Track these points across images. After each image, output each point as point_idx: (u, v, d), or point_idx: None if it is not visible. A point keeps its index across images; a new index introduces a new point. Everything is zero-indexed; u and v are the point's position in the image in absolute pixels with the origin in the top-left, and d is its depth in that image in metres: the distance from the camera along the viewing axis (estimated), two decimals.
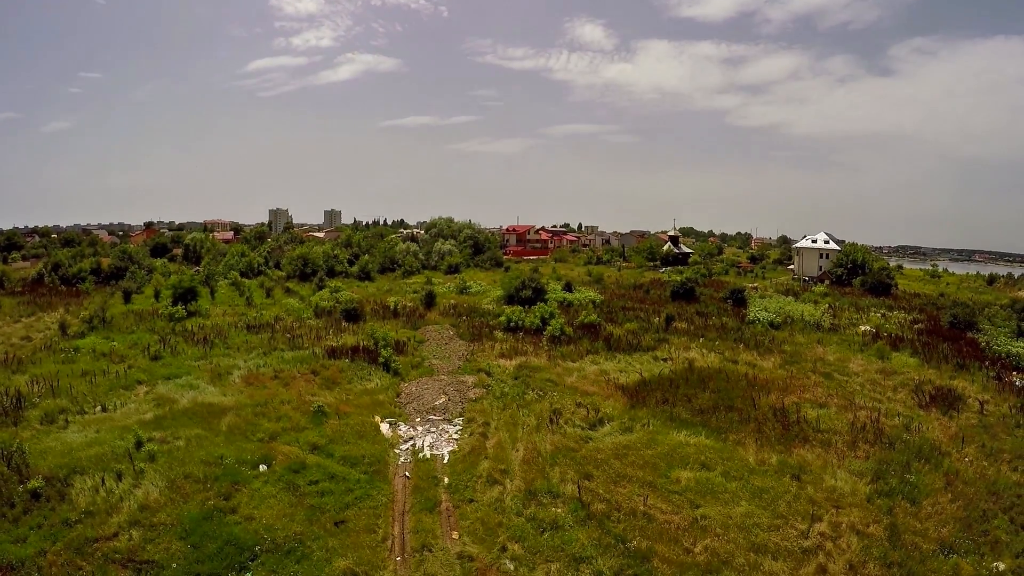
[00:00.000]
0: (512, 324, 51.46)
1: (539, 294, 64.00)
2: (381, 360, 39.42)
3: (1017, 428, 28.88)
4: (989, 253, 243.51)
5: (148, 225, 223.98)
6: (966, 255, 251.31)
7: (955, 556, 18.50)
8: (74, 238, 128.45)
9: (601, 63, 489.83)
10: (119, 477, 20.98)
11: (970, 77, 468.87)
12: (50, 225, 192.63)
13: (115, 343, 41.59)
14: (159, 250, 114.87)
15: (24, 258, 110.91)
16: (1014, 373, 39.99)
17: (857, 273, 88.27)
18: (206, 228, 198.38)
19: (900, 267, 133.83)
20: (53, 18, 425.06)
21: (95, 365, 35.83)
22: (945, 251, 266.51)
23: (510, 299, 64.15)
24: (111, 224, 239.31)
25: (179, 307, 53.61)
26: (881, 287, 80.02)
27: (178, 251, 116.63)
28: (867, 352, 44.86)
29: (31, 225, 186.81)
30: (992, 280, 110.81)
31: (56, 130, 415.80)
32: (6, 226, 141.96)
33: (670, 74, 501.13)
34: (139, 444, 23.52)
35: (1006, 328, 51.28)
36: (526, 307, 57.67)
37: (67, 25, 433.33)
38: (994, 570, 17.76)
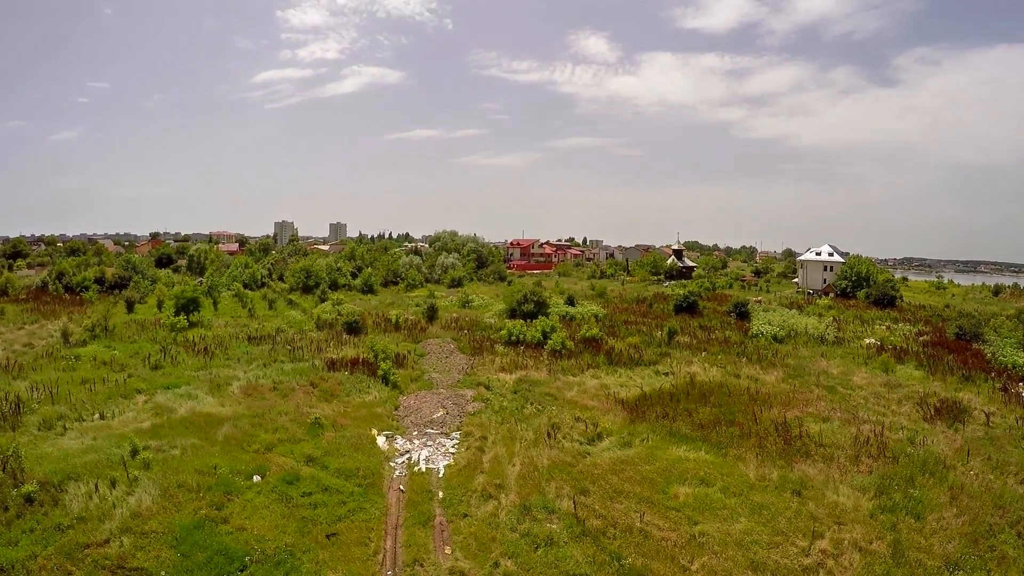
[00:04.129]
0: (513, 338, 51.46)
1: (541, 308, 64.12)
2: (380, 373, 39.36)
3: (1023, 440, 28.50)
4: (995, 264, 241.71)
5: (154, 236, 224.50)
6: (972, 266, 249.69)
7: (961, 572, 18.13)
8: (79, 247, 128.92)
9: (605, 76, 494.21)
10: (113, 484, 20.97)
11: (974, 86, 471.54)
12: (56, 234, 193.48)
13: (116, 352, 41.74)
14: (164, 261, 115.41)
15: (29, 266, 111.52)
16: (1021, 384, 39.58)
17: (862, 285, 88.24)
18: (211, 240, 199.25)
19: (905, 279, 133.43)
20: (61, 27, 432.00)
21: (95, 373, 35.93)
22: (951, 262, 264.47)
23: (512, 313, 64.34)
24: (117, 234, 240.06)
25: (181, 317, 53.72)
26: (886, 299, 79.94)
27: (182, 262, 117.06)
28: (871, 365, 44.70)
29: (37, 234, 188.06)
30: (998, 291, 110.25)
31: (64, 139, 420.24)
32: (12, 234, 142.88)
33: (674, 86, 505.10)
34: (135, 452, 23.49)
35: (1012, 338, 50.84)
36: (528, 321, 57.73)
37: (75, 34, 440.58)
38: None
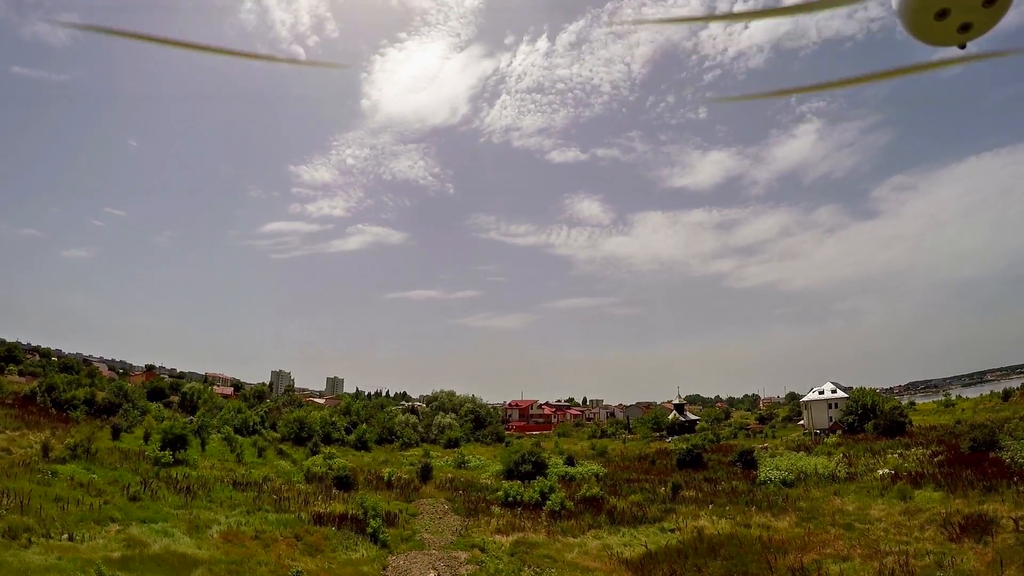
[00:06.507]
0: (510, 499, 49.37)
1: (539, 468, 62.17)
2: (369, 530, 36.98)
3: None
4: (1000, 369, 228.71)
5: (149, 368, 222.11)
6: (978, 377, 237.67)
7: None
8: (74, 365, 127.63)
9: (600, 237, 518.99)
10: None
11: (951, 202, 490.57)
12: (53, 347, 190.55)
13: (95, 476, 39.79)
14: (156, 393, 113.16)
15: (21, 373, 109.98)
16: None
17: (869, 417, 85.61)
18: (207, 380, 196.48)
19: (912, 403, 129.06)
20: (88, 151, 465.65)
21: (71, 493, 33.83)
22: (956, 378, 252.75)
23: (509, 473, 62.31)
24: (113, 360, 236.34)
25: (167, 453, 51.96)
26: (895, 427, 77.10)
27: (175, 398, 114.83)
28: (888, 495, 42.62)
29: (34, 343, 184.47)
30: (1008, 395, 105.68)
31: (75, 257, 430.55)
32: (10, 338, 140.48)
33: (666, 243, 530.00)
34: None
35: None
36: (526, 482, 55.64)
37: (100, 161, 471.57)
38: None
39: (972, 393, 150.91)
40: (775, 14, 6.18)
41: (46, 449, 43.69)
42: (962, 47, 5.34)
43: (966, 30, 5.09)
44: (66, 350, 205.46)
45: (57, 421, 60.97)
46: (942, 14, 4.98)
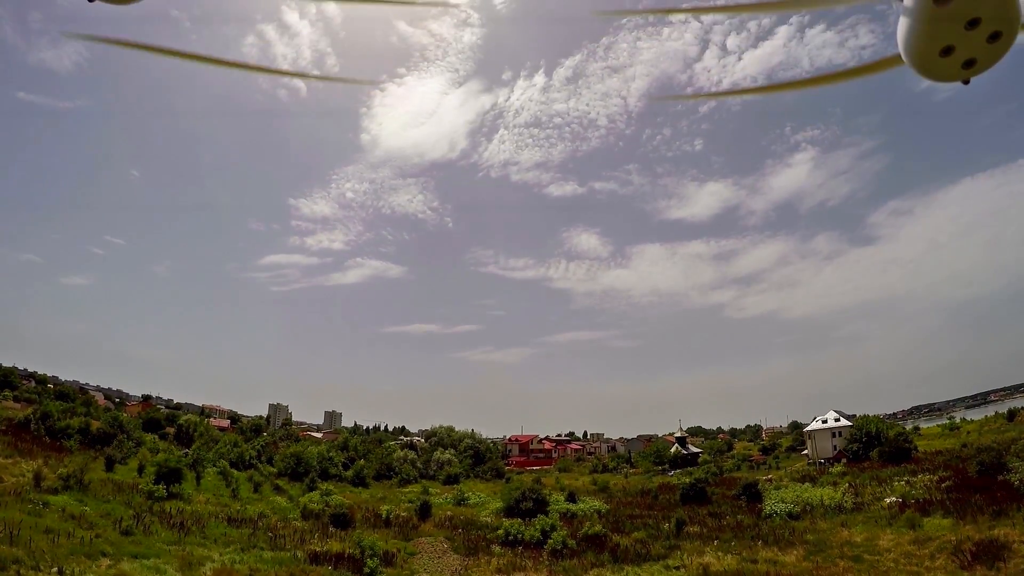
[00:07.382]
0: (511, 537, 48.52)
1: (540, 505, 61.39)
2: (366, 570, 36.25)
3: None
4: (1004, 389, 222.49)
5: (146, 398, 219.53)
6: (981, 398, 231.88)
7: None
8: (69, 393, 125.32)
9: (599, 270, 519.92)
10: None
11: (947, 224, 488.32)
12: (48, 374, 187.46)
13: (87, 508, 38.86)
14: (152, 424, 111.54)
15: (16, 399, 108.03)
16: None
17: (873, 445, 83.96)
18: (203, 412, 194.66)
19: (917, 428, 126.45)
20: (90, 179, 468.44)
21: (62, 525, 32.90)
22: (960, 400, 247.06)
23: (510, 511, 61.51)
24: (109, 388, 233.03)
25: (161, 486, 50.84)
26: (900, 453, 76.06)
27: (171, 430, 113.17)
28: (896, 524, 42.05)
29: (30, 369, 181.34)
30: (1012, 415, 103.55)
31: (74, 284, 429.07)
32: (7, 363, 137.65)
33: (665, 275, 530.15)
34: None
35: None
36: (526, 519, 54.75)
37: (102, 189, 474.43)
38: None
39: (976, 415, 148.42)
40: (787, 6, 6.17)
41: (38, 479, 42.79)
42: (966, 83, 5.44)
43: (970, 66, 5.18)
44: (63, 377, 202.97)
45: (51, 450, 59.85)
46: (947, 51, 5.05)
